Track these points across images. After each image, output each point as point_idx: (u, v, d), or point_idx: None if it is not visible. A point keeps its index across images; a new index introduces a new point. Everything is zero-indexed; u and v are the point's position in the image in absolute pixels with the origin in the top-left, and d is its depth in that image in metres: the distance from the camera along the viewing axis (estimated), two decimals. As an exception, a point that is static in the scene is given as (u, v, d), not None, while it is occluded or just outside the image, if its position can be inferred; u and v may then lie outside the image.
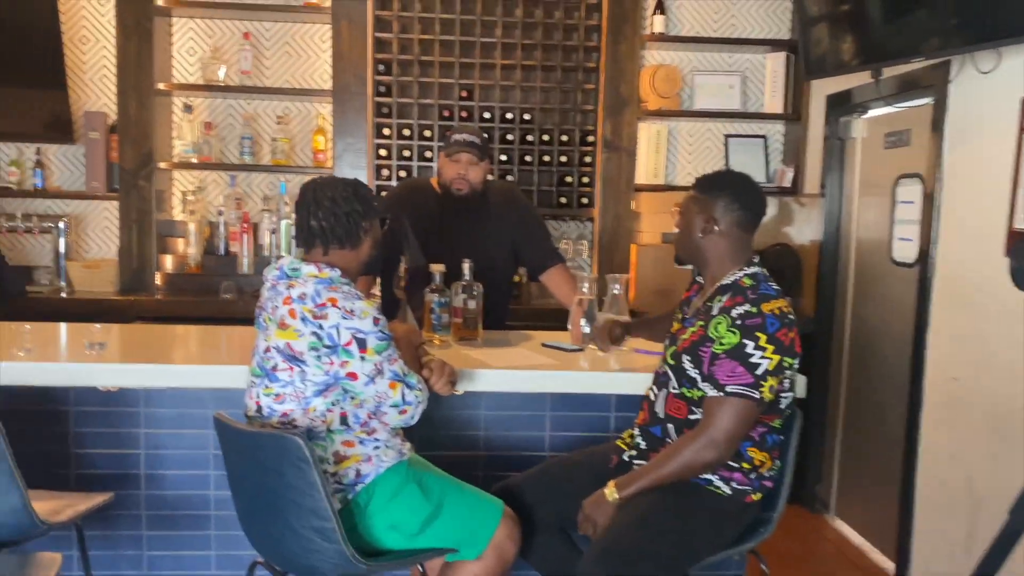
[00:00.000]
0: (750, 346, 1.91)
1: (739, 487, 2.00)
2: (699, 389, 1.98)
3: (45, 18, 3.86)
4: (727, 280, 2.05)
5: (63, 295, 3.96)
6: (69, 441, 2.40)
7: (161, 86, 4.00)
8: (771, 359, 1.91)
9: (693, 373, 2.00)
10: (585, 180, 4.21)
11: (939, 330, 3.00)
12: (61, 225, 4.03)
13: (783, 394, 2.01)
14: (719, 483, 1.99)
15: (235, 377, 2.23)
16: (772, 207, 4.44)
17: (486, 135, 3.03)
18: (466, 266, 2.67)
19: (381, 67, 4.05)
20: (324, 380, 1.90)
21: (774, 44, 4.31)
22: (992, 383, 2.69)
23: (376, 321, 1.91)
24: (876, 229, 3.67)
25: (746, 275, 2.04)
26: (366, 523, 1.93)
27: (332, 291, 1.91)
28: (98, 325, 2.39)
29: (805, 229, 4.22)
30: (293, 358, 1.89)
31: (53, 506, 1.97)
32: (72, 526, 2.04)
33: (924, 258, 3.09)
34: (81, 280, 3.99)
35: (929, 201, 3.07)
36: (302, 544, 1.75)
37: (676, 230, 2.15)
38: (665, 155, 4.36)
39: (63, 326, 2.85)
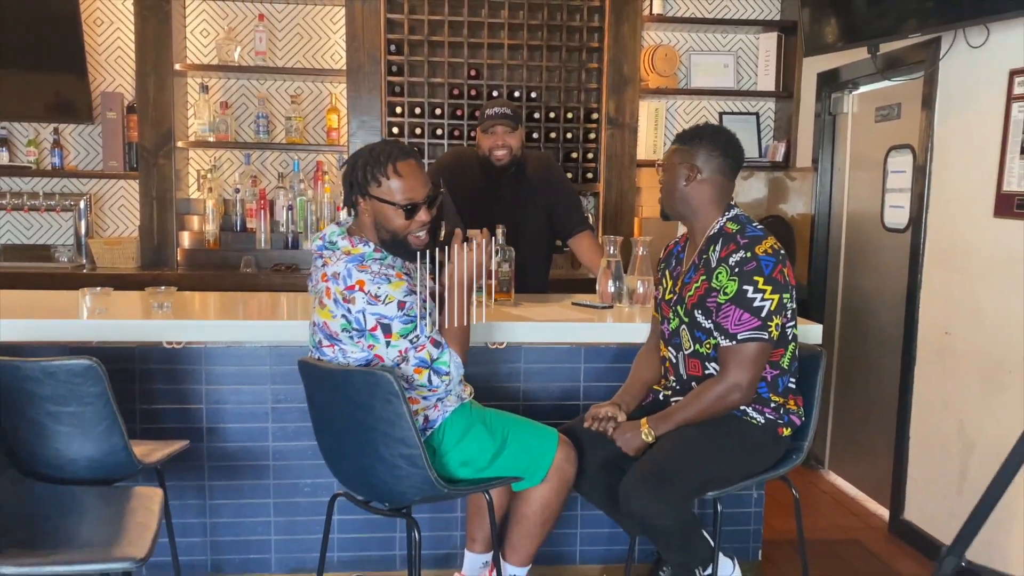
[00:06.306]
0: (750, 291, 2.08)
1: (771, 418, 2.21)
2: (713, 338, 2.16)
3: (64, 2, 3.93)
4: (713, 230, 2.21)
5: (85, 271, 4.05)
6: (135, 397, 2.54)
7: (178, 67, 4.11)
8: (771, 299, 2.08)
9: (707, 324, 2.19)
10: (590, 156, 4.40)
11: (931, 289, 3.23)
12: (82, 204, 4.13)
13: (787, 326, 2.18)
14: (754, 414, 2.20)
15: (293, 332, 2.40)
16: (763, 181, 4.66)
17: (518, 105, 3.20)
18: (499, 231, 2.84)
19: (392, 47, 4.19)
20: (363, 356, 2.03)
21: (766, 25, 4.52)
22: (982, 335, 2.92)
23: (401, 305, 1.96)
24: (867, 199, 3.90)
25: (728, 220, 2.21)
26: (440, 462, 2.11)
27: (361, 271, 1.98)
28: (161, 287, 2.52)
29: (797, 202, 4.44)
30: (331, 337, 2.03)
31: (142, 450, 2.12)
32: (154, 468, 2.19)
33: (916, 223, 3.31)
34: (103, 257, 4.09)
35: (920, 170, 3.30)
36: (391, 472, 1.93)
37: (660, 185, 2.29)
38: (664, 132, 4.56)
39: (126, 293, 3.01)
